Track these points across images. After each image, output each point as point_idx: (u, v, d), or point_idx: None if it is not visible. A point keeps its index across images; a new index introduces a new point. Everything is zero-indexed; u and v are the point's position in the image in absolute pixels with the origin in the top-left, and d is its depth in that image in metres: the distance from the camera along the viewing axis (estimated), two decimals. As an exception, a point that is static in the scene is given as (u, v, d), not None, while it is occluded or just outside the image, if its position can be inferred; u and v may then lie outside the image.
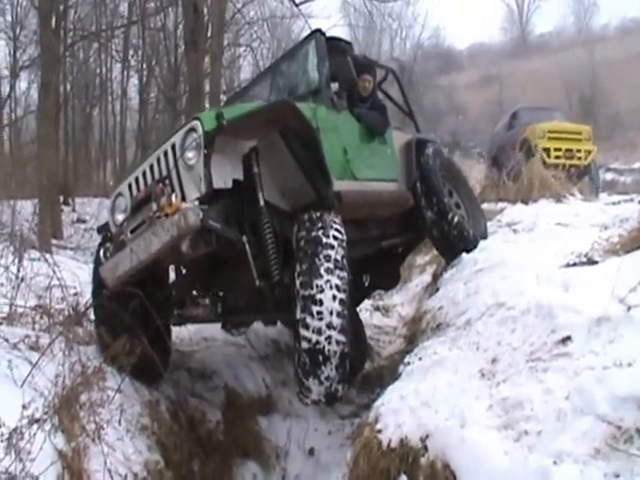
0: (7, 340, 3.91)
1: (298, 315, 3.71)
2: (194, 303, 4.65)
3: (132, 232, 4.11)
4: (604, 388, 2.49)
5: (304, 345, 3.66)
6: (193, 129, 3.90)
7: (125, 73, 24.73)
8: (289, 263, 4.06)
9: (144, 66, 24.24)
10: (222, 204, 4.07)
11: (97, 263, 4.69)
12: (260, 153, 4.22)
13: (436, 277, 6.90)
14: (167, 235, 3.62)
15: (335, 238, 3.93)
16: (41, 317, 4.57)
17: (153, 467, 3.96)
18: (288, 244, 4.15)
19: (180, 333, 6.00)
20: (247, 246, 4.01)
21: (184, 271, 4.80)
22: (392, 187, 5.68)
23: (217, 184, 3.95)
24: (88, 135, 25.06)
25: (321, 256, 3.80)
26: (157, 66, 23.98)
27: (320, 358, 3.62)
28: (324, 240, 3.88)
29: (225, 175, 4.10)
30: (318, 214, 4.08)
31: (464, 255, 5.59)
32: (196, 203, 3.74)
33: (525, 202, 8.48)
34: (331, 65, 5.25)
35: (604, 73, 41.31)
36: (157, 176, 4.15)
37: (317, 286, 3.70)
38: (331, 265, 3.78)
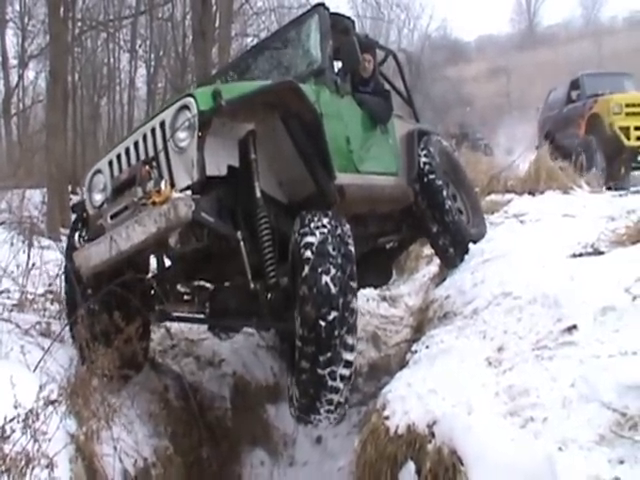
0: (19, 326, 3.96)
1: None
2: (178, 300, 4.16)
3: (112, 217, 3.64)
4: (609, 376, 2.54)
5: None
6: (186, 107, 3.45)
7: (133, 63, 24.90)
8: (284, 261, 3.64)
9: (152, 56, 24.47)
10: (215, 194, 3.63)
11: (70, 247, 4.31)
12: (257, 138, 3.80)
13: (443, 268, 6.90)
14: (154, 226, 3.20)
15: (342, 379, 3.15)
16: (51, 304, 4.61)
17: (162, 453, 4.02)
18: (284, 240, 3.67)
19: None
20: (242, 243, 3.57)
21: (167, 263, 4.24)
22: (393, 181, 5.22)
23: (210, 171, 3.52)
24: (96, 125, 25.08)
25: (324, 402, 3.20)
26: (165, 56, 24.14)
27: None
28: (329, 383, 3.12)
29: (219, 161, 3.68)
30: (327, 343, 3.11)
31: (471, 245, 5.52)
32: (188, 193, 3.33)
33: (532, 193, 8.43)
34: (334, 44, 4.79)
35: (612, 65, 40.83)
36: (143, 156, 3.69)
37: (315, 419, 3.34)
38: (332, 408, 3.24)
